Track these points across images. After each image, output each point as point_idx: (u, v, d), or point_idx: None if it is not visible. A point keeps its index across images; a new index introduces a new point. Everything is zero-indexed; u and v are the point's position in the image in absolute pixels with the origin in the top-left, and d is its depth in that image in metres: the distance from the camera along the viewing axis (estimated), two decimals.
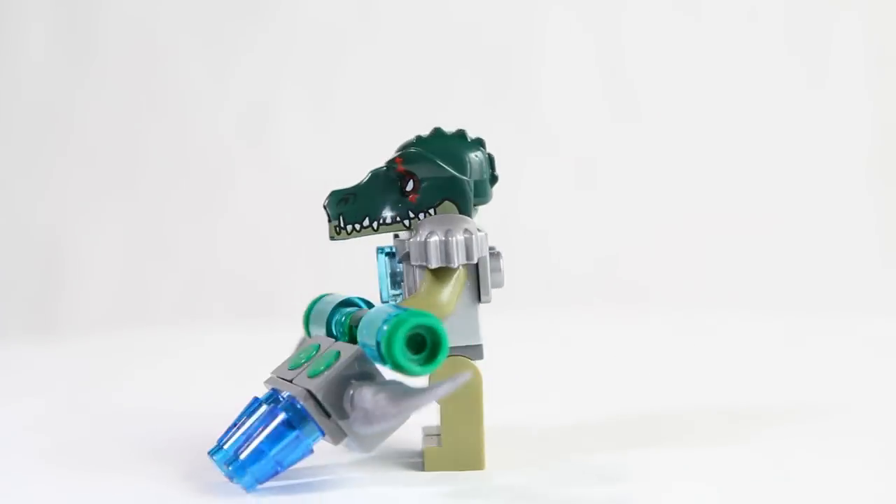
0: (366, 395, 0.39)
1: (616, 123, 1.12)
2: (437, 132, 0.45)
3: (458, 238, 0.43)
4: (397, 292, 0.45)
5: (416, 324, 0.39)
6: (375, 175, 0.44)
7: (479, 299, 0.44)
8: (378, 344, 0.40)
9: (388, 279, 0.45)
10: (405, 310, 0.40)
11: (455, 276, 0.43)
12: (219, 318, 1.06)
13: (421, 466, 0.45)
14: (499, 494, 0.41)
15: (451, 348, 0.42)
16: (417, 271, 0.44)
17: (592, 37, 1.13)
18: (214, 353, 0.82)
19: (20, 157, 1.15)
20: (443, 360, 0.40)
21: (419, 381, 0.41)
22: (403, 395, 0.38)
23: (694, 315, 0.93)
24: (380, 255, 0.46)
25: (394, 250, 0.45)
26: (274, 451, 0.41)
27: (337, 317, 0.46)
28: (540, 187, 1.10)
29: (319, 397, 0.40)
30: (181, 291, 1.10)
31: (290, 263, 1.10)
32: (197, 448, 0.48)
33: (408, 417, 0.38)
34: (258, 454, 0.41)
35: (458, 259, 0.43)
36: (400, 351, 0.39)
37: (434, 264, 0.43)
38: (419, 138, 0.45)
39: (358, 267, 0.45)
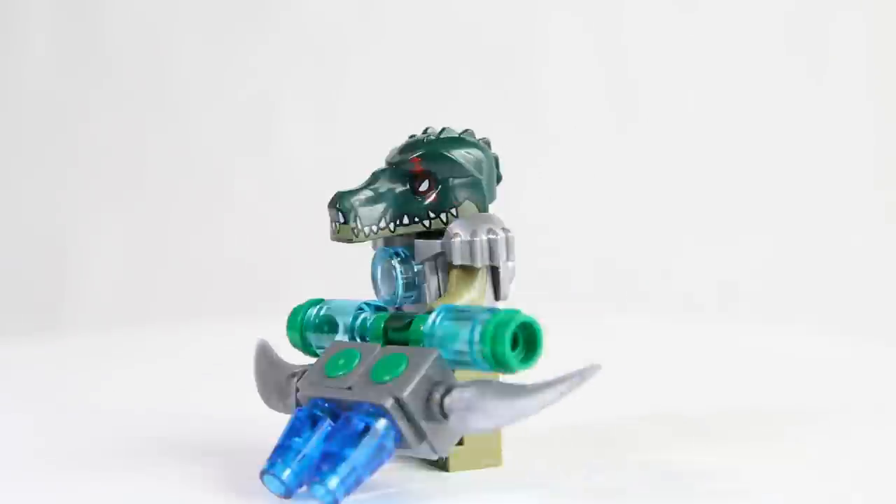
0: (467, 397, 0.38)
1: (618, 123, 1.12)
2: (446, 131, 0.44)
3: (501, 237, 0.43)
4: (409, 294, 0.44)
5: (519, 322, 0.39)
6: (383, 175, 0.43)
7: (496, 297, 0.43)
8: (473, 343, 0.39)
9: (402, 281, 0.44)
10: (501, 310, 0.39)
11: (479, 274, 0.43)
12: (220, 317, 1.06)
13: (443, 467, 0.44)
14: (520, 491, 0.41)
15: None
16: (442, 272, 0.43)
17: (595, 37, 1.13)
18: (216, 353, 0.82)
19: (21, 156, 1.15)
20: (540, 355, 0.39)
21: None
22: (516, 395, 0.38)
23: (693, 316, 0.93)
24: (392, 259, 0.44)
25: (405, 253, 0.44)
26: (360, 460, 0.38)
27: (359, 321, 0.43)
28: (542, 187, 1.10)
29: (409, 401, 0.39)
30: (183, 290, 1.10)
31: (291, 263, 1.10)
32: (199, 447, 0.48)
33: (526, 417, 0.38)
34: (346, 467, 0.38)
35: (482, 259, 0.42)
36: (507, 349, 0.39)
37: (479, 263, 0.42)
38: (428, 137, 0.44)
39: (363, 265, 0.44)
